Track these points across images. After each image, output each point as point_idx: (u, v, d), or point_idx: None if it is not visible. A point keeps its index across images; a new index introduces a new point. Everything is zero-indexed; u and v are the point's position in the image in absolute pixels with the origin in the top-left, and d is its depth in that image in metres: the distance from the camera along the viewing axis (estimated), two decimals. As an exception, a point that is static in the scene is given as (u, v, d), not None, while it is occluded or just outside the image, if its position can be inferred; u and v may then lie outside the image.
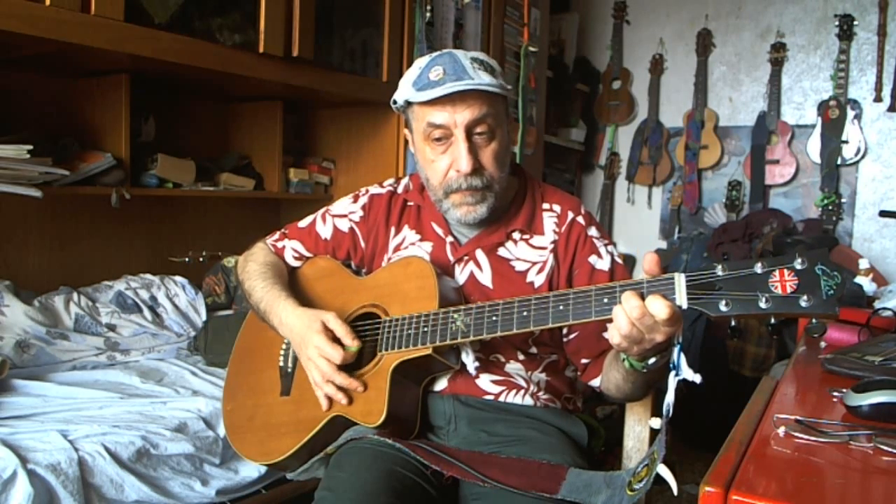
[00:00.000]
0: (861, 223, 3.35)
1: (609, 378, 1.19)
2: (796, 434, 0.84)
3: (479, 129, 1.16)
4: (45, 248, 2.12)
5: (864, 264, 2.29)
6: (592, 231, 1.26)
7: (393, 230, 1.33)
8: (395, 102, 1.24)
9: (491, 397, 1.21)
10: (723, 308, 0.88)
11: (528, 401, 1.22)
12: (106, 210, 1.98)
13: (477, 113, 1.15)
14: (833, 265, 0.85)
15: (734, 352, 2.97)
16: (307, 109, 2.75)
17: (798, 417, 0.89)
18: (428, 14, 2.46)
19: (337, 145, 2.70)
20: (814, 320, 0.87)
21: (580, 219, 1.27)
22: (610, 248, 1.26)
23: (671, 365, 0.96)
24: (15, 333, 1.78)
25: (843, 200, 3.35)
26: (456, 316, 1.10)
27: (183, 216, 2.48)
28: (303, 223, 1.43)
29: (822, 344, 1.37)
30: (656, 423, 0.96)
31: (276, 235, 1.45)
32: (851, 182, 3.36)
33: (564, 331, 1.25)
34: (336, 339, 1.17)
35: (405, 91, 1.19)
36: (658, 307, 0.91)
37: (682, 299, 0.92)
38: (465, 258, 1.26)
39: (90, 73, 2.02)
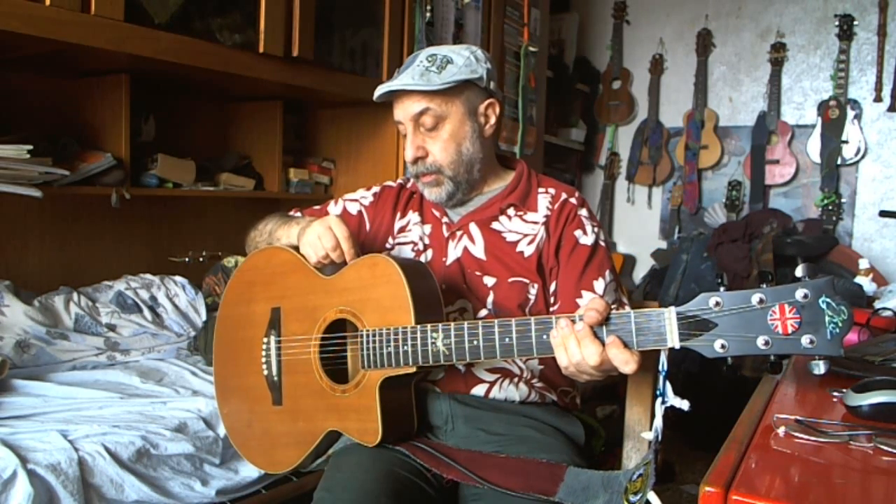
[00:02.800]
0: (861, 223, 3.35)
1: None
2: (796, 434, 0.84)
3: (422, 121, 1.26)
4: (45, 248, 2.12)
5: (864, 264, 2.29)
6: (583, 212, 1.31)
7: (398, 215, 1.40)
8: None
9: (486, 387, 1.22)
10: (718, 349, 0.84)
11: (524, 389, 1.23)
12: (106, 210, 1.98)
13: (416, 107, 1.25)
14: (838, 298, 0.78)
15: (734, 352, 2.97)
16: (307, 109, 2.75)
17: (798, 417, 0.89)
18: (428, 14, 2.46)
19: (337, 145, 2.70)
20: (816, 357, 0.83)
21: (573, 200, 1.32)
22: (597, 229, 1.30)
23: (657, 392, 0.95)
24: (15, 333, 1.78)
25: (843, 200, 3.35)
26: (435, 336, 1.07)
27: (183, 216, 2.48)
28: (317, 206, 1.52)
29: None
30: (648, 435, 0.96)
31: (290, 212, 1.52)
32: (851, 182, 3.36)
33: (551, 300, 1.27)
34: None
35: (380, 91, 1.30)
36: (622, 360, 0.91)
37: (673, 339, 0.87)
38: (459, 233, 1.31)
39: (90, 73, 2.02)
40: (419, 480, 1.13)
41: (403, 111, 1.27)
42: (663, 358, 0.94)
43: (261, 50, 1.92)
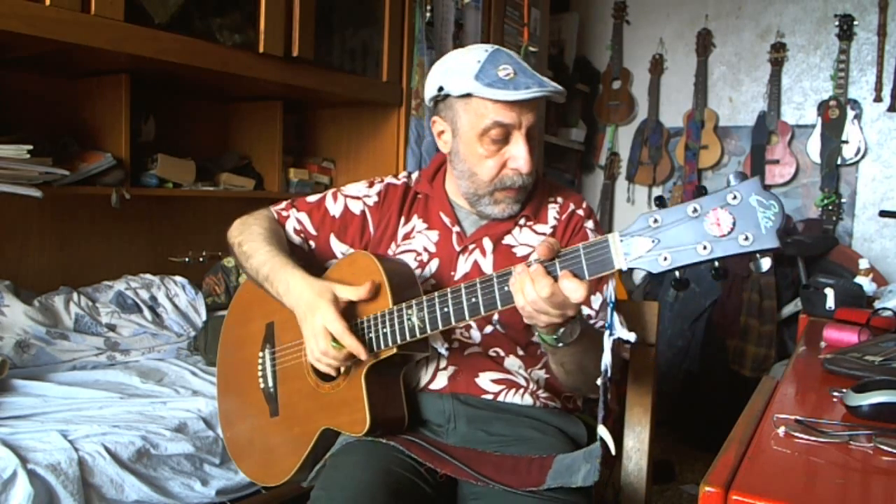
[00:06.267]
0: (861, 223, 3.35)
1: (548, 364, 1.22)
2: (796, 434, 0.84)
3: (531, 128, 1.18)
4: (45, 248, 2.12)
5: (864, 264, 2.29)
6: (589, 224, 1.29)
7: (403, 219, 1.32)
8: (441, 90, 1.20)
9: (490, 396, 1.22)
10: (662, 263, 0.85)
11: (528, 400, 1.22)
12: (106, 210, 1.98)
13: (536, 116, 1.18)
14: (768, 193, 0.81)
15: (734, 352, 2.98)
16: (307, 109, 2.75)
17: (798, 417, 0.89)
18: (428, 14, 2.46)
19: (337, 145, 2.70)
20: (758, 256, 0.85)
21: (580, 211, 1.30)
22: None
23: (606, 324, 0.96)
24: (15, 333, 1.78)
25: (843, 200, 3.35)
26: (410, 312, 1.09)
27: (183, 216, 2.48)
28: (312, 197, 1.39)
29: (822, 344, 1.37)
30: (603, 430, 0.96)
31: (283, 204, 1.41)
32: (851, 182, 3.36)
33: None
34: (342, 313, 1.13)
35: (464, 83, 1.15)
36: (572, 288, 0.91)
37: (619, 261, 0.89)
38: (472, 246, 1.26)
39: (90, 73, 2.02)
40: (416, 478, 1.13)
41: (524, 118, 1.16)
42: (611, 290, 0.96)
43: (261, 50, 1.92)
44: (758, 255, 0.84)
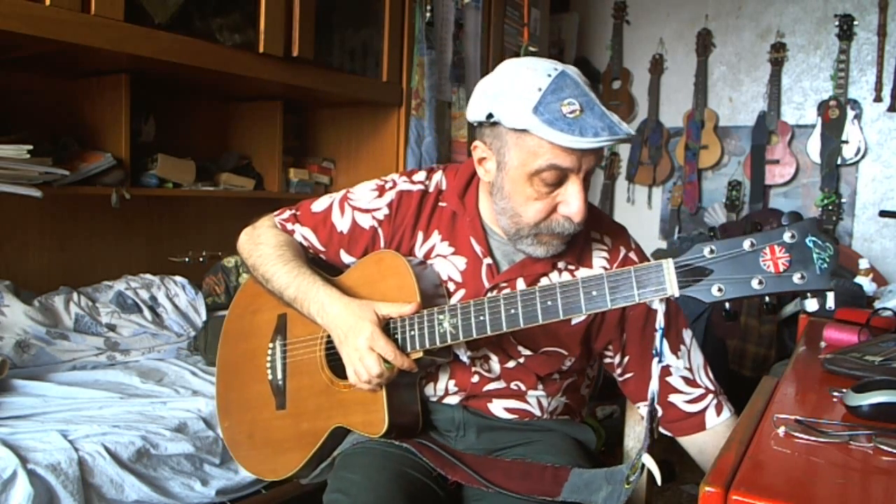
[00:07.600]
0: (861, 223, 3.35)
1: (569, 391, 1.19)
2: (796, 434, 0.84)
3: (590, 174, 1.05)
4: (45, 248, 2.12)
5: (864, 264, 2.29)
6: None
7: (420, 235, 1.20)
8: (490, 117, 1.04)
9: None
10: (716, 293, 0.85)
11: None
12: (106, 210, 1.98)
13: (598, 158, 1.05)
14: (824, 236, 0.82)
15: (734, 352, 2.97)
16: (307, 109, 2.75)
17: (798, 417, 0.89)
18: (428, 14, 2.46)
19: (337, 145, 2.70)
20: (808, 295, 0.86)
21: (633, 255, 1.19)
22: None
23: (654, 351, 0.94)
24: (15, 333, 1.78)
25: (843, 200, 3.35)
26: (441, 317, 1.06)
27: (183, 216, 2.48)
28: (317, 206, 1.29)
29: (822, 344, 1.37)
30: (648, 458, 0.95)
31: (286, 215, 1.31)
32: (851, 182, 3.36)
33: (618, 371, 1.21)
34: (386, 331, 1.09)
35: (520, 116, 0.99)
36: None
37: (672, 288, 0.89)
38: (503, 285, 1.15)
39: (90, 73, 2.02)
40: (429, 481, 1.12)
41: (585, 162, 1.02)
42: (660, 315, 0.93)
43: (261, 50, 1.92)
44: (808, 294, 0.85)
